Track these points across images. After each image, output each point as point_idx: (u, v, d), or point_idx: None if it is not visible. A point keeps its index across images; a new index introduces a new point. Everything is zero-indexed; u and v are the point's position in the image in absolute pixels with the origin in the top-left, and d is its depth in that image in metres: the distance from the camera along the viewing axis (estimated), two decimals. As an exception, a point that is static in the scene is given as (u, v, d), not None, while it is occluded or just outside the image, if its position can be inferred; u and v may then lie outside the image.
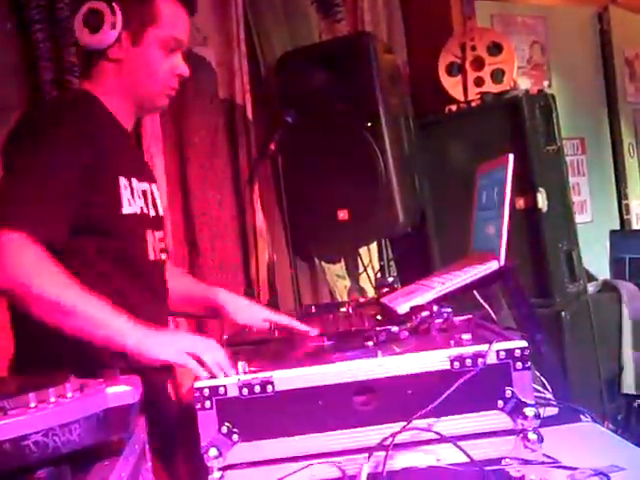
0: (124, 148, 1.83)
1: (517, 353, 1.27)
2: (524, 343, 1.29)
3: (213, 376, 1.33)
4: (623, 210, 4.57)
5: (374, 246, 3.53)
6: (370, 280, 3.45)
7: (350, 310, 1.97)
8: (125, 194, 1.75)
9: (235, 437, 1.26)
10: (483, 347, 1.28)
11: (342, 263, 3.54)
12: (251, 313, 1.96)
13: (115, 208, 1.72)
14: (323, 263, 3.46)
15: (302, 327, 1.72)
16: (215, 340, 1.51)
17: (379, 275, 3.41)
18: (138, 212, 1.79)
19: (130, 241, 1.77)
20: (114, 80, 1.80)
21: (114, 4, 1.73)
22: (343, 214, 3.10)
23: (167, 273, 1.94)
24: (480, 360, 1.27)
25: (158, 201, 1.94)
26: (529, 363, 1.28)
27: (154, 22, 1.77)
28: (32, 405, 0.90)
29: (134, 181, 1.80)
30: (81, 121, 1.70)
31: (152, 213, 1.86)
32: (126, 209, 1.74)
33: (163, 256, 1.91)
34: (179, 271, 2.20)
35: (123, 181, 1.75)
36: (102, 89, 1.80)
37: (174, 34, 1.81)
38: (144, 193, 1.85)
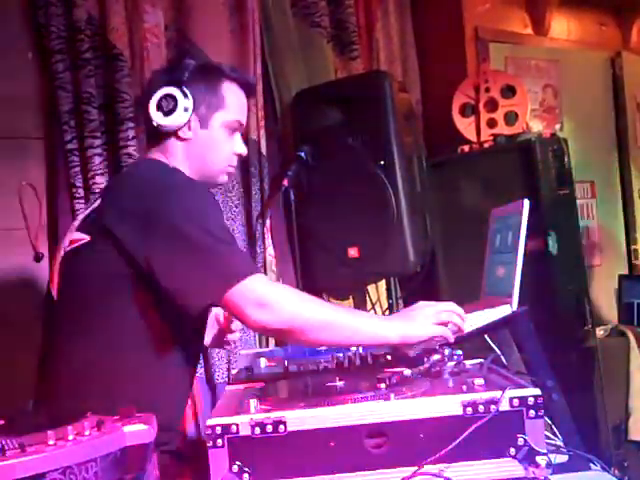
0: None
1: (530, 401, 1.27)
2: (537, 391, 1.29)
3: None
4: (632, 255, 4.56)
5: (382, 283, 3.53)
6: (378, 317, 3.44)
7: (360, 349, 1.97)
8: None
9: (246, 477, 1.26)
10: (496, 393, 1.28)
11: (350, 300, 3.54)
12: None
13: None
14: (332, 299, 3.46)
15: None
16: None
17: (387, 313, 3.40)
18: None
19: None
20: (181, 156, 1.96)
21: (186, 89, 1.92)
22: (353, 251, 3.11)
23: None
24: (493, 407, 1.27)
25: None
26: (542, 411, 1.28)
27: (221, 107, 1.97)
28: (51, 442, 0.90)
29: None
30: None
31: None
32: None
33: None
34: None
35: None
36: (171, 162, 1.95)
37: (238, 118, 2.01)
38: None
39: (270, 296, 1.64)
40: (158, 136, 1.97)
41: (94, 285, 1.80)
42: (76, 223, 1.93)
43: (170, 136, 1.96)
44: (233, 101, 1.99)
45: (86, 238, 1.83)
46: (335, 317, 1.67)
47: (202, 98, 1.94)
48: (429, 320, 1.66)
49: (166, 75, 1.99)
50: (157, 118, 1.92)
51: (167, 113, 1.91)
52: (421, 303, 1.75)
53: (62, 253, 1.90)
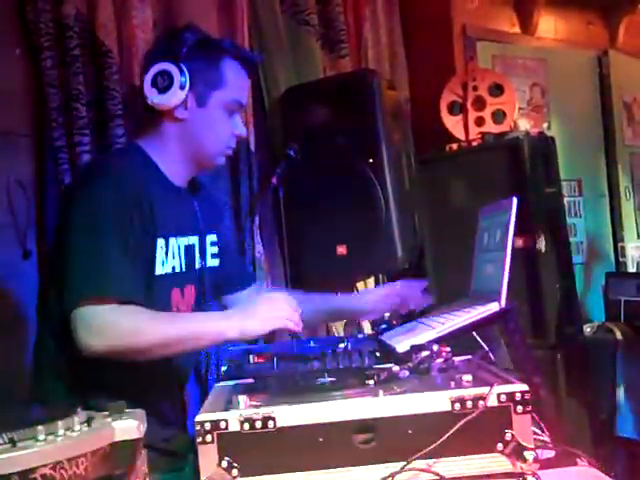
0: (169, 206, 1.89)
1: (518, 396, 1.28)
2: (525, 387, 1.30)
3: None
4: (619, 252, 4.59)
5: (371, 280, 3.54)
6: (367, 315, 3.45)
7: (349, 346, 1.97)
8: (160, 255, 1.84)
9: (235, 472, 1.26)
10: (484, 389, 1.29)
11: (339, 297, 3.54)
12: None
13: (150, 270, 1.82)
14: (321, 296, 3.46)
15: None
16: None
17: (376, 310, 3.41)
18: (170, 272, 1.88)
19: (157, 301, 1.83)
20: (175, 140, 1.89)
21: (183, 66, 1.82)
22: (342, 249, 3.11)
23: None
24: (481, 402, 1.28)
25: (208, 252, 2.06)
26: (530, 407, 1.29)
27: (220, 86, 1.88)
28: (41, 438, 0.91)
29: (172, 240, 1.88)
30: (127, 185, 1.79)
31: (185, 269, 1.94)
32: (158, 270, 1.84)
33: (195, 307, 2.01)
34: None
35: (160, 242, 1.84)
36: (159, 149, 1.89)
37: (237, 98, 1.92)
38: (186, 248, 1.94)
39: (106, 321, 1.64)
40: (152, 116, 1.89)
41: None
42: None
43: (164, 117, 1.88)
44: (233, 79, 1.90)
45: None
46: (171, 333, 1.70)
47: (200, 75, 1.85)
48: (267, 314, 1.73)
49: (163, 49, 1.90)
50: (152, 96, 1.84)
51: (162, 90, 1.82)
52: (261, 297, 1.85)
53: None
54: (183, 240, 1.93)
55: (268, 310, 1.75)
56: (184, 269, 1.94)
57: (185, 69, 1.82)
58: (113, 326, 1.65)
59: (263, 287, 3.04)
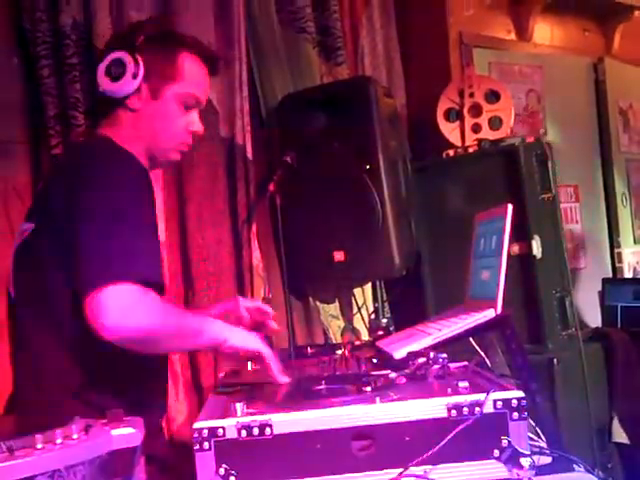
0: None
1: (514, 403, 1.29)
2: (521, 393, 1.30)
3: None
4: (615, 258, 4.60)
5: (368, 287, 3.55)
6: (364, 321, 3.46)
7: (346, 353, 1.98)
8: None
9: (232, 479, 1.27)
10: (480, 396, 1.30)
11: (336, 303, 3.55)
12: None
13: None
14: (317, 303, 3.47)
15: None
16: None
17: (373, 317, 3.42)
18: None
19: None
20: (130, 129, 1.84)
21: (138, 56, 1.79)
22: (339, 255, 3.12)
23: None
24: (477, 409, 1.28)
25: None
26: (526, 413, 1.29)
27: (175, 79, 1.84)
28: (39, 446, 0.91)
29: None
30: (141, 168, 1.77)
31: None
32: None
33: None
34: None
35: None
36: (120, 137, 1.82)
37: (194, 92, 1.87)
38: None
39: (140, 301, 1.57)
40: (106, 105, 1.85)
41: (47, 275, 1.72)
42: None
43: (118, 105, 1.83)
44: (191, 73, 1.86)
45: (31, 227, 1.76)
46: (194, 324, 1.70)
47: (156, 66, 1.82)
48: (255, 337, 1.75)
49: (120, 39, 1.88)
50: (103, 83, 1.81)
51: (115, 79, 1.79)
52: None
53: (15, 249, 1.82)
54: None
55: (251, 335, 1.77)
56: None
57: (140, 59, 1.79)
58: (146, 306, 1.59)
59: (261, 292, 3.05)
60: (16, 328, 1.84)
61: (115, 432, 1.02)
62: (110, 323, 1.53)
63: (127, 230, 1.62)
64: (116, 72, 1.78)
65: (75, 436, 0.96)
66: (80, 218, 1.62)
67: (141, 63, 1.79)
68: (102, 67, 1.81)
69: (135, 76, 1.79)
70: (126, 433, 1.02)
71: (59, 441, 0.93)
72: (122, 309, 1.54)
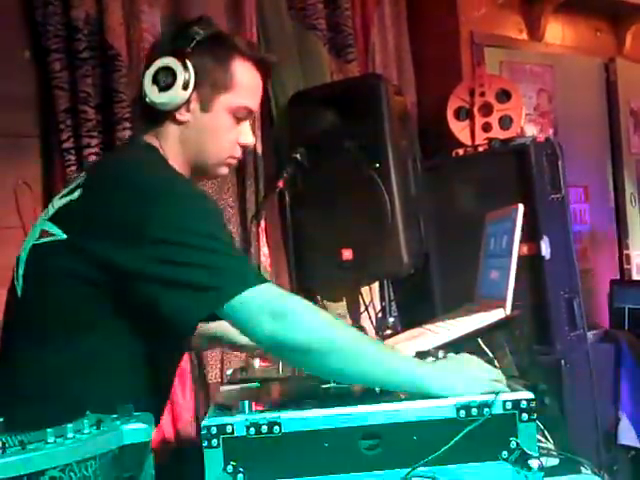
0: None
1: (523, 404, 1.29)
2: (530, 395, 1.30)
3: None
4: (624, 260, 4.59)
5: (375, 285, 3.55)
6: (371, 320, 3.45)
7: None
8: None
9: (240, 477, 1.27)
10: (489, 397, 1.30)
11: (343, 302, 3.55)
12: None
13: None
14: (325, 301, 3.47)
15: None
16: None
17: (380, 315, 3.41)
18: None
19: None
20: (176, 143, 1.71)
21: (187, 61, 1.64)
22: (348, 253, 3.12)
23: None
24: (486, 410, 1.28)
25: None
26: (534, 415, 1.29)
27: (228, 88, 1.69)
28: (50, 440, 0.91)
29: None
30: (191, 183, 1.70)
31: None
32: None
33: None
34: None
35: None
36: (165, 149, 1.70)
37: (247, 103, 1.73)
38: None
39: (288, 307, 1.42)
40: (152, 115, 1.70)
41: (66, 290, 1.56)
42: (50, 210, 1.66)
43: (165, 117, 1.68)
44: (244, 83, 1.70)
45: (60, 235, 1.57)
46: (369, 350, 1.42)
47: (207, 75, 1.66)
48: (473, 376, 1.41)
49: (169, 43, 1.71)
50: (151, 93, 1.65)
51: (163, 89, 1.64)
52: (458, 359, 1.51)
53: (31, 244, 1.65)
54: None
55: (466, 375, 1.41)
56: None
57: (190, 67, 1.64)
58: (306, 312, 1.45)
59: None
60: (16, 327, 1.69)
61: (126, 427, 1.02)
62: (264, 328, 1.41)
63: (223, 239, 1.51)
64: (165, 81, 1.64)
65: (86, 431, 0.96)
66: (166, 237, 1.47)
67: (191, 71, 1.64)
68: (149, 75, 1.66)
69: (186, 87, 1.64)
70: (137, 428, 1.03)
71: (70, 435, 0.94)
72: (273, 311, 1.41)
